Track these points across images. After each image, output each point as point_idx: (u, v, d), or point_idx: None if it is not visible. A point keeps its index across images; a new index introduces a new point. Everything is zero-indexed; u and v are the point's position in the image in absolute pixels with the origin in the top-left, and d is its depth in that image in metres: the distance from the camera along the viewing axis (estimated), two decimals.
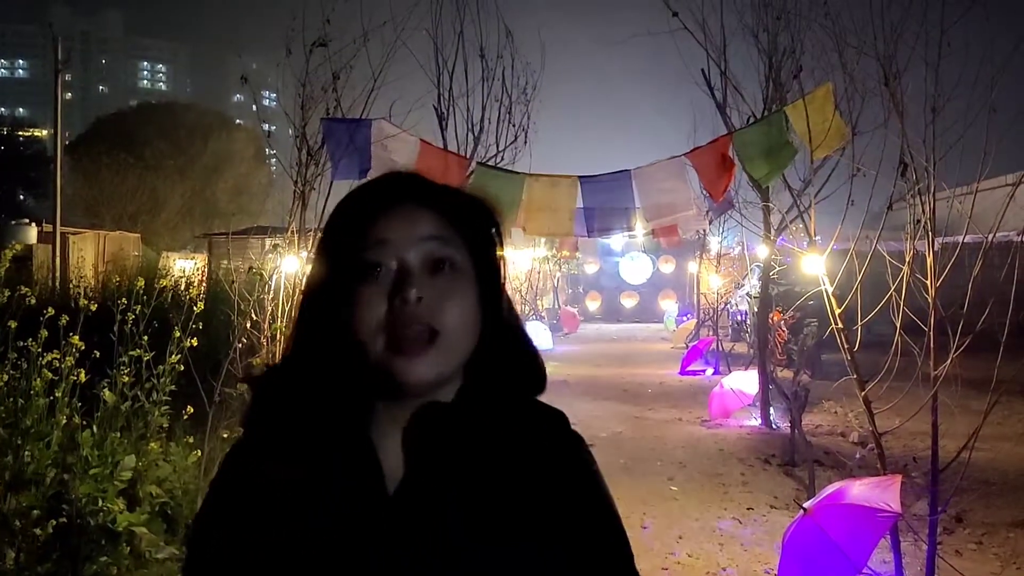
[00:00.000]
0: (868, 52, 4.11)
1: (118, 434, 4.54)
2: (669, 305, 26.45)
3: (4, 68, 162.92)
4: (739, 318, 18.88)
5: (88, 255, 23.85)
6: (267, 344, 4.90)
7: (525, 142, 9.68)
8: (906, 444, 7.62)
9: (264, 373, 1.09)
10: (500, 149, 9.35)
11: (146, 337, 4.70)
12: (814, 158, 5.07)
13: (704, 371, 14.75)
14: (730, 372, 13.59)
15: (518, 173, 5.40)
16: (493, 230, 1.08)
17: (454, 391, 1.02)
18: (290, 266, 5.01)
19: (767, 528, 5.77)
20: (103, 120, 44.00)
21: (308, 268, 1.20)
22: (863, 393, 4.24)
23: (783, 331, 14.76)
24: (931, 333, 4.05)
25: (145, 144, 37.54)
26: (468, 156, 8.85)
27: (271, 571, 0.94)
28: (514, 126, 9.57)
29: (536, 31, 10.39)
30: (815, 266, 4.57)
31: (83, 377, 4.43)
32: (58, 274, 17.55)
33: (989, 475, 7.02)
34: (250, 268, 4.47)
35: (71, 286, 13.14)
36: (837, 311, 4.39)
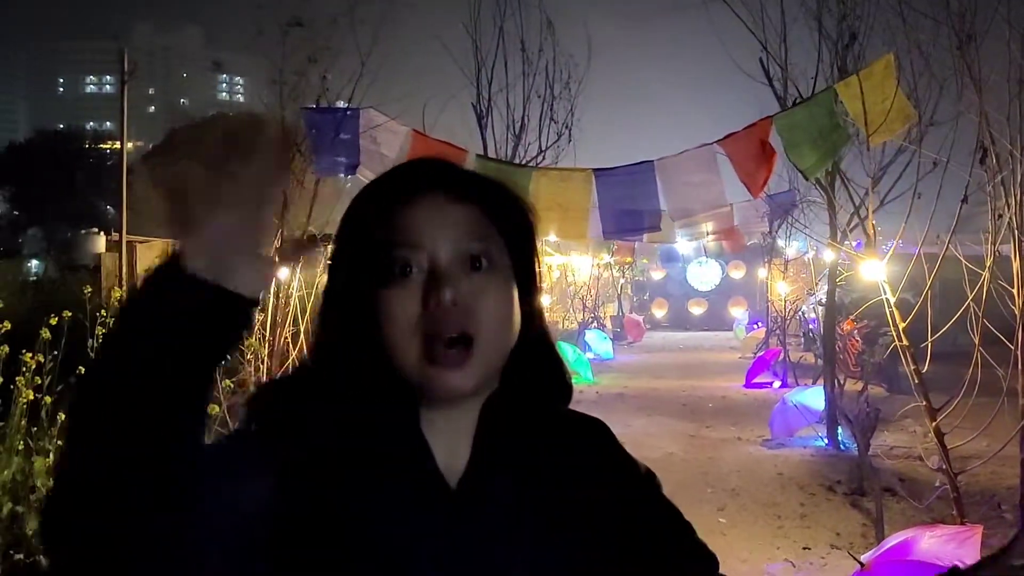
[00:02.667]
0: (937, 16, 3.39)
1: None
2: (739, 313, 25.50)
3: (93, 84, 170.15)
4: (811, 326, 17.88)
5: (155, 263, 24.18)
6: (254, 361, 4.43)
7: (569, 140, 9.11)
8: (994, 471, 6.72)
9: (274, 384, 1.02)
10: (542, 149, 8.79)
11: None
12: (871, 144, 4.32)
13: (771, 383, 13.90)
14: (797, 384, 12.80)
15: (523, 166, 4.83)
16: (531, 226, 1.01)
17: (489, 393, 0.96)
18: (281, 273, 4.54)
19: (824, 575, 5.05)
20: (176, 131, 45.02)
21: (326, 271, 0.99)
22: (934, 424, 3.52)
23: (856, 341, 13.83)
24: (1020, 348, 3.33)
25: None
26: (511, 156, 8.34)
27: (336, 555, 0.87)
28: (556, 123, 9.01)
29: (579, 22, 9.78)
30: (874, 272, 3.86)
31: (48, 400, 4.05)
32: (124, 283, 17.72)
33: None
34: None
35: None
36: (901, 324, 3.68)
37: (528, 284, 0.98)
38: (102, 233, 26.76)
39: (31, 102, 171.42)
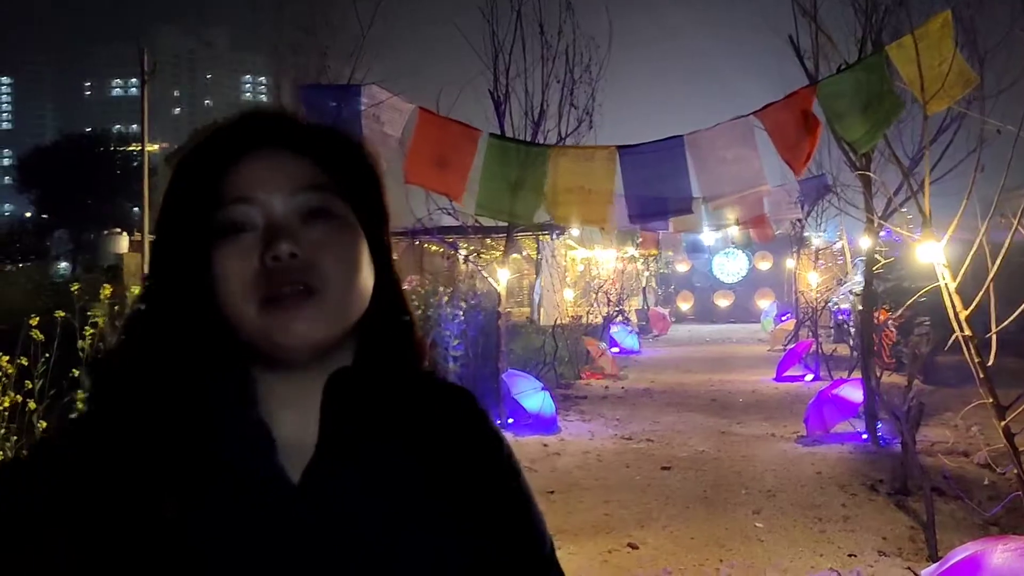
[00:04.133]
0: None
1: None
2: (766, 304, 25.05)
3: (119, 88, 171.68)
4: (841, 317, 17.39)
5: None
6: None
7: (590, 127, 8.76)
8: None
9: (107, 356, 0.89)
10: (562, 136, 8.44)
11: None
12: (928, 112, 3.89)
13: (803, 376, 13.47)
14: (831, 377, 12.36)
15: (540, 145, 4.47)
16: (375, 174, 0.93)
17: (347, 360, 0.88)
18: None
19: None
20: (199, 131, 45.28)
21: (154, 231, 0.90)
22: (1003, 423, 3.13)
23: (891, 331, 13.36)
24: None
25: None
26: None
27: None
28: (576, 109, 8.66)
29: (600, 1, 9.42)
30: (932, 255, 3.48)
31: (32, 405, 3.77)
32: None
33: None
34: None
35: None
36: (963, 313, 3.29)
37: (377, 236, 0.91)
38: (124, 233, 26.78)
39: (58, 106, 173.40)
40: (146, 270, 0.72)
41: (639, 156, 4.17)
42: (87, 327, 4.03)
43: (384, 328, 0.91)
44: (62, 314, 4.28)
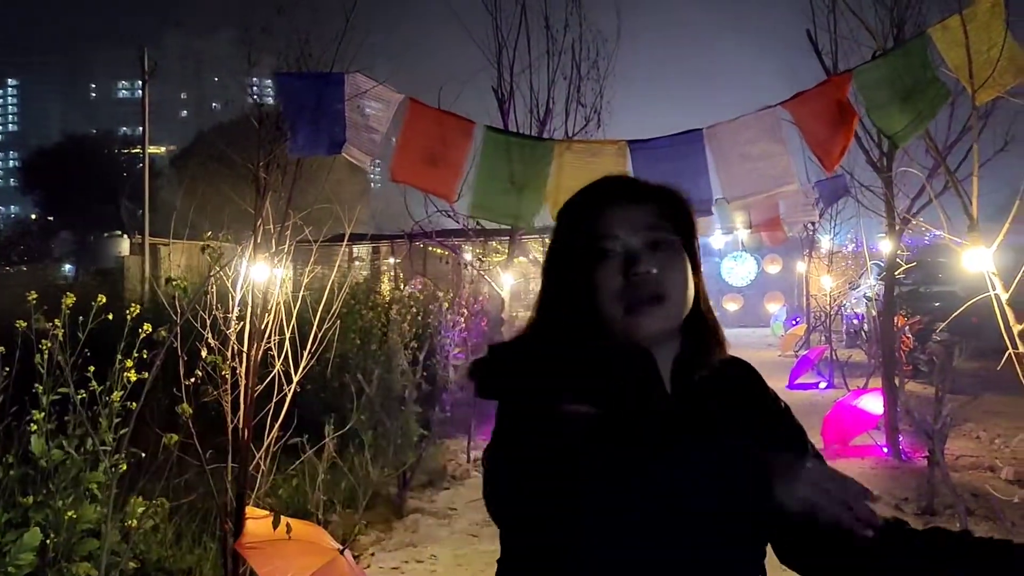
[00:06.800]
0: None
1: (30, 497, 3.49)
2: (776, 308, 24.66)
3: (126, 90, 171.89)
4: (855, 322, 16.97)
5: (182, 265, 23.95)
6: (230, 376, 3.77)
7: (599, 126, 8.38)
8: None
9: (516, 339, 1.36)
10: (569, 135, 8.06)
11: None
12: (977, 102, 3.51)
13: (817, 384, 13.07)
14: (846, 385, 11.95)
15: (543, 139, 4.10)
16: (692, 218, 1.38)
17: (677, 346, 1.33)
18: (260, 275, 3.88)
19: None
20: (205, 133, 44.99)
21: (545, 260, 1.41)
22: None
23: (908, 338, 12.95)
24: None
25: (242, 154, 38.03)
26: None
27: (575, 451, 1.12)
28: (584, 106, 8.28)
29: None
30: (981, 262, 3.10)
31: None
32: (146, 286, 17.27)
33: None
34: (168, 280, 3.31)
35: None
36: (1016, 328, 2.91)
37: (693, 259, 1.35)
38: (125, 236, 26.51)
39: (64, 108, 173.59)
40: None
41: (653, 151, 3.79)
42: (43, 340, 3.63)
43: (702, 324, 1.35)
44: (23, 324, 3.89)
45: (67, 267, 37.48)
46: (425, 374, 8.00)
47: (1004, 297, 3.01)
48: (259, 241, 3.76)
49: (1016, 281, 3.02)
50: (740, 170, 3.76)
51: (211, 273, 3.30)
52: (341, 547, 3.87)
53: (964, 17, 3.34)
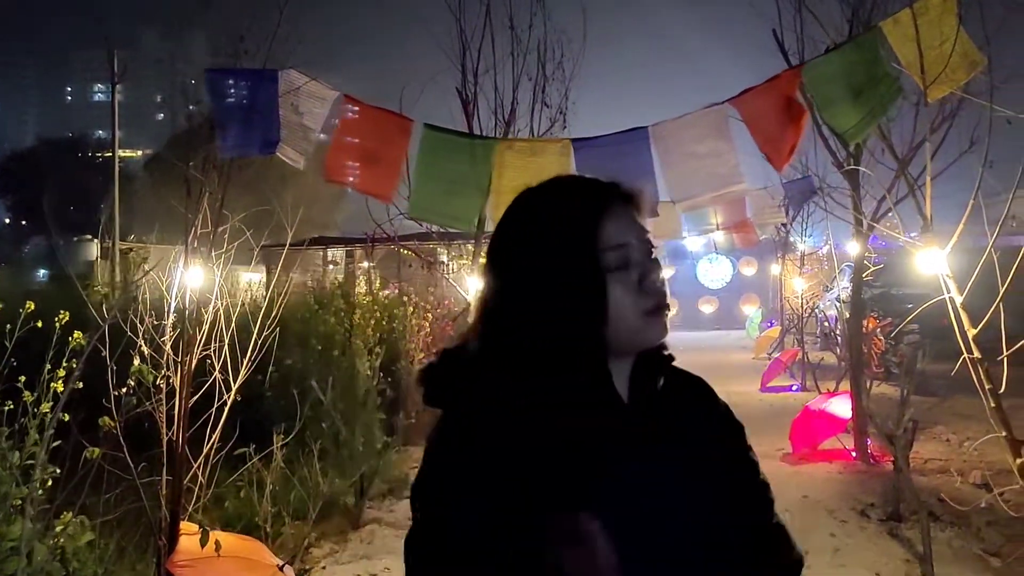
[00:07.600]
0: None
1: None
2: (751, 310, 24.68)
3: (101, 93, 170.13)
4: (828, 324, 16.99)
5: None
6: (165, 386, 3.61)
7: (564, 127, 8.26)
8: None
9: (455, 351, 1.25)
10: (534, 138, 7.94)
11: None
12: (928, 98, 3.42)
13: (790, 387, 13.04)
14: (817, 388, 11.91)
15: (483, 137, 3.96)
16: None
17: (632, 358, 1.28)
18: (194, 280, 3.71)
19: None
20: (177, 136, 44.53)
21: (538, 269, 1.22)
22: (1020, 461, 2.66)
23: (879, 340, 12.93)
24: None
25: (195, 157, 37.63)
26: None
27: (531, 470, 1.10)
28: (549, 107, 8.16)
29: None
30: (935, 265, 3.00)
31: None
32: (116, 292, 16.95)
33: None
34: (86, 284, 3.15)
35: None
36: (971, 332, 2.82)
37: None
38: (95, 240, 26.08)
39: (41, 111, 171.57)
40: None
41: (596, 150, 3.65)
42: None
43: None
44: None
45: (41, 272, 36.90)
46: (389, 380, 7.85)
47: (959, 300, 2.91)
48: (193, 245, 3.60)
49: (969, 284, 2.92)
50: (686, 169, 3.62)
51: (136, 278, 3.13)
52: (281, 563, 3.72)
53: (915, 11, 3.23)
